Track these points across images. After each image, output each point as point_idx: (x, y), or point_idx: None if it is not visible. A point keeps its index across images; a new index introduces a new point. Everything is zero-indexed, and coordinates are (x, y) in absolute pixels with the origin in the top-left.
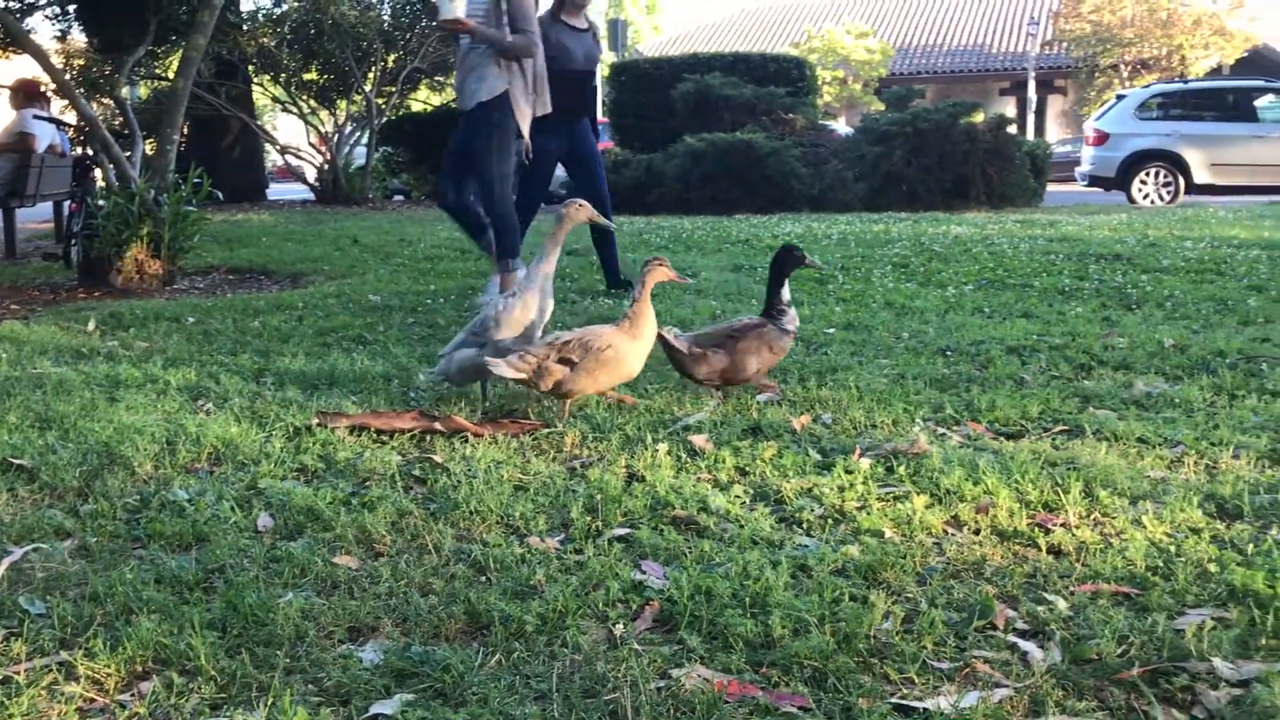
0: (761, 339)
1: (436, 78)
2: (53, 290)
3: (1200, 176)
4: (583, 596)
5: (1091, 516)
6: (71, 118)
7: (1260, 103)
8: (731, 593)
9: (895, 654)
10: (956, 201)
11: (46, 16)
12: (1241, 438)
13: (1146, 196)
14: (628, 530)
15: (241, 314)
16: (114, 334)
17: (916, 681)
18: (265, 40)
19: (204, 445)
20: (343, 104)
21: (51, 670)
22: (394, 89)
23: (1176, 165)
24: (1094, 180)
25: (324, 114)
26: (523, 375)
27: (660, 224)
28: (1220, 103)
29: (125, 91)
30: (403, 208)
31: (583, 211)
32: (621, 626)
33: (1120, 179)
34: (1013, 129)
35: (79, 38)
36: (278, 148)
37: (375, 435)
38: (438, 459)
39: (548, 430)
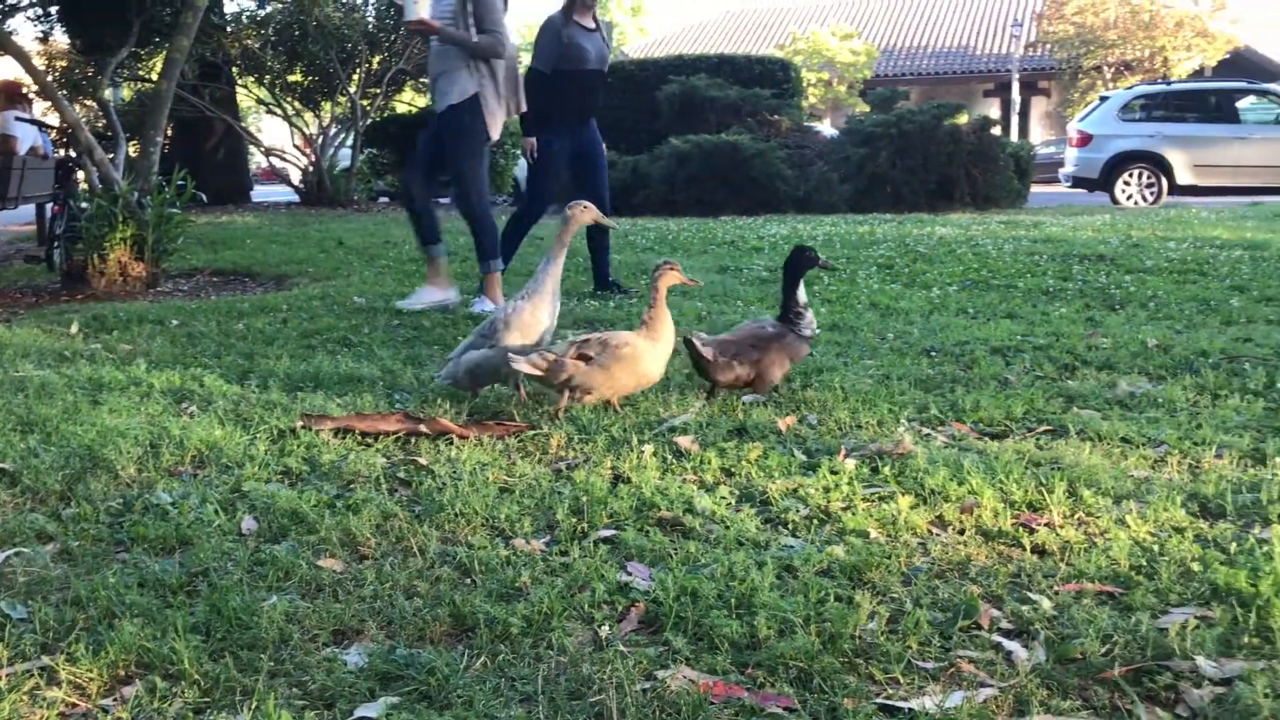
0: (784, 350)
1: (421, 79)
2: (35, 293)
3: (1183, 177)
4: (568, 598)
5: (1075, 516)
6: (54, 119)
7: (1242, 104)
8: (717, 594)
9: (880, 654)
10: (941, 203)
11: (28, 18)
12: (1224, 437)
13: (1130, 197)
14: (613, 532)
15: (225, 316)
16: (97, 337)
17: (901, 681)
18: (249, 42)
19: (188, 448)
20: (327, 106)
21: (33, 675)
22: (379, 91)
23: (1159, 166)
24: (1078, 181)
25: (308, 116)
26: (540, 372)
27: (646, 225)
28: (1203, 104)
29: (108, 93)
30: (388, 209)
31: (588, 213)
32: (607, 628)
33: (1104, 180)
34: (997, 130)
35: (61, 39)
36: (262, 150)
37: (360, 437)
38: (423, 461)
39: (533, 432)
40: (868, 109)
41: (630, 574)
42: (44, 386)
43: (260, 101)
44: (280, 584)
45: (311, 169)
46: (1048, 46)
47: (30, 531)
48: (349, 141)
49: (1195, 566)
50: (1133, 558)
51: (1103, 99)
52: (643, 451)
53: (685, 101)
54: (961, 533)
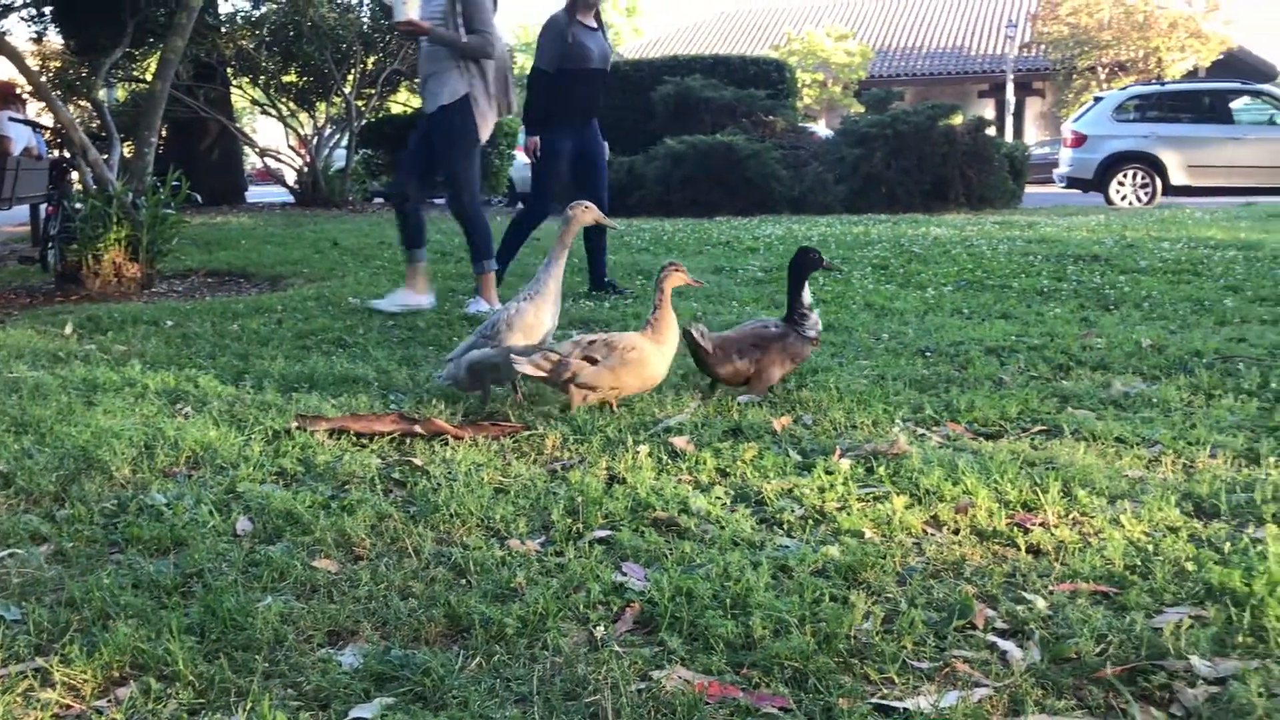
0: (785, 350)
1: (416, 80)
2: (29, 294)
3: (1177, 178)
4: (563, 599)
5: (1070, 516)
6: (48, 120)
7: (1236, 105)
8: (712, 594)
9: (875, 654)
10: (935, 203)
11: (22, 18)
12: (1218, 437)
13: (1124, 198)
14: (608, 532)
15: (220, 317)
16: (91, 337)
17: (896, 681)
18: (244, 42)
19: (182, 449)
20: (322, 106)
21: (27, 676)
22: (373, 91)
23: (1154, 167)
24: (1072, 182)
25: (303, 116)
26: (543, 373)
27: (641, 226)
28: (1196, 105)
29: (102, 94)
30: (382, 210)
31: (589, 214)
32: (602, 628)
33: (1098, 180)
34: (991, 131)
35: (55, 39)
36: (257, 150)
37: (355, 438)
38: (418, 462)
39: (528, 432)
40: (862, 110)
41: (625, 574)
42: (38, 387)
43: (255, 102)
44: (275, 585)
45: (306, 169)
46: (1042, 47)
47: (24, 532)
48: (344, 142)
49: (1190, 566)
50: (1127, 557)
51: (1097, 100)
52: (638, 452)
53: (680, 102)
54: (956, 533)
